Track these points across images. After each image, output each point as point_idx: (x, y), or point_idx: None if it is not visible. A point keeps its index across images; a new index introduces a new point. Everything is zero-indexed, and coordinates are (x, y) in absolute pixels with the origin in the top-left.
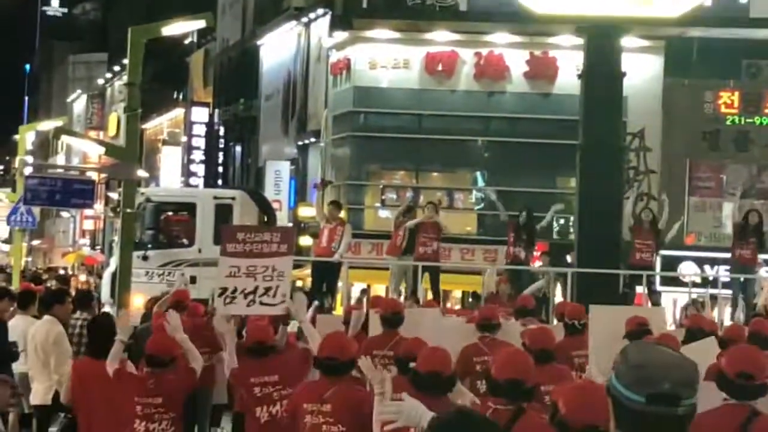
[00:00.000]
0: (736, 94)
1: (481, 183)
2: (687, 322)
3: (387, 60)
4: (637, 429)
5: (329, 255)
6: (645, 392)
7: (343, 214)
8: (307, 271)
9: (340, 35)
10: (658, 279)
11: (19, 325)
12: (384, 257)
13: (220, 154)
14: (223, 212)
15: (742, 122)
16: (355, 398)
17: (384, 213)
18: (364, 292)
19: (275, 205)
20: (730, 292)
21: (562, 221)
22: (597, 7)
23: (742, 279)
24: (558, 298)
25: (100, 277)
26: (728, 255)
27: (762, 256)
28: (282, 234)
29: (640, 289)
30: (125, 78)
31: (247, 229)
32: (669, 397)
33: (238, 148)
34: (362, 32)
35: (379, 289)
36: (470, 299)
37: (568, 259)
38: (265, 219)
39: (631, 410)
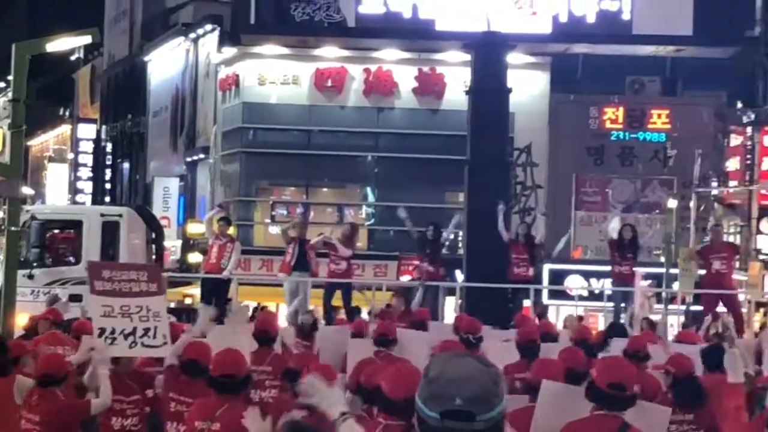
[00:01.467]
0: (621, 109)
1: (371, 198)
2: (573, 334)
3: (276, 76)
4: None
5: (219, 271)
6: (438, 409)
7: (232, 230)
8: (197, 289)
9: (229, 51)
10: (545, 292)
11: None
12: (277, 275)
13: (108, 171)
14: (110, 230)
15: (627, 138)
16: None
17: (274, 229)
18: (256, 309)
19: (163, 222)
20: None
21: (451, 236)
22: (483, 24)
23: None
24: (448, 311)
25: None
26: None
27: (640, 270)
28: (149, 272)
29: (527, 303)
30: (10, 94)
31: (113, 266)
32: (462, 413)
33: (126, 165)
34: (251, 48)
35: (270, 306)
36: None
37: (458, 273)
38: (153, 236)
39: (431, 426)
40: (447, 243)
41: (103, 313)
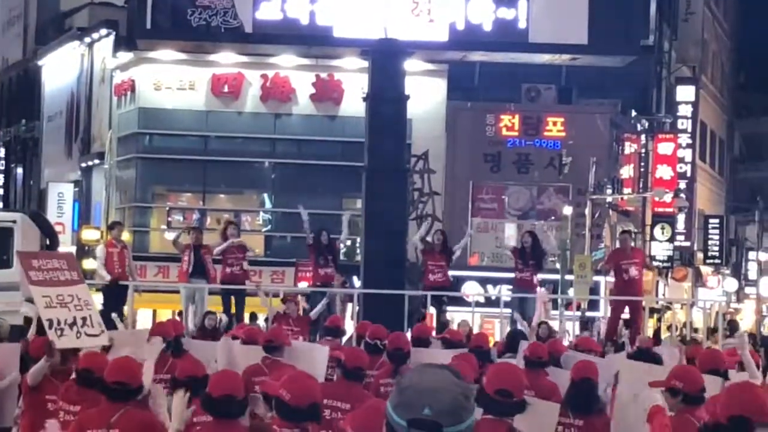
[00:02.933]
0: (517, 117)
1: (268, 205)
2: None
3: (172, 81)
4: None
5: (125, 278)
6: (406, 417)
7: (126, 236)
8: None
9: (125, 56)
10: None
11: None
12: (175, 283)
13: (1, 177)
14: (3, 236)
15: (523, 144)
16: (145, 421)
17: (170, 235)
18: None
19: (58, 228)
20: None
21: (349, 242)
22: (381, 31)
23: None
24: (348, 318)
25: None
26: (511, 275)
27: (543, 276)
28: (67, 260)
29: (431, 310)
30: None
31: (39, 255)
32: (429, 424)
33: (20, 170)
34: (147, 53)
35: (164, 314)
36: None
37: (355, 279)
38: (48, 242)
39: None
40: (343, 246)
41: (45, 305)
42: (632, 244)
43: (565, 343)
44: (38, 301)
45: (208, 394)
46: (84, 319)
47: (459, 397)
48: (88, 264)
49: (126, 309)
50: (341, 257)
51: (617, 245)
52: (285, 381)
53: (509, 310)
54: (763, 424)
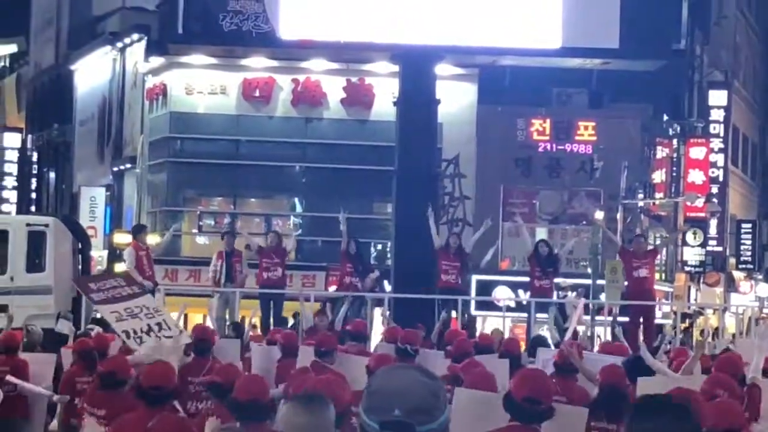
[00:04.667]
0: (548, 121)
1: (298, 209)
2: (502, 348)
3: (204, 86)
4: None
5: (154, 281)
6: (378, 419)
7: (150, 239)
8: None
9: (156, 60)
10: (473, 303)
11: None
12: (203, 286)
13: (33, 180)
14: (36, 239)
15: (554, 149)
16: (181, 426)
17: (201, 239)
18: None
19: (90, 232)
20: (545, 315)
21: (379, 246)
22: (412, 35)
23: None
24: (377, 323)
25: None
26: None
27: (564, 281)
28: (124, 278)
29: (454, 314)
30: None
31: (95, 279)
32: (400, 424)
33: (52, 174)
34: (178, 58)
35: (196, 318)
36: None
37: (386, 284)
38: (80, 246)
39: None
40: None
41: (116, 319)
42: (648, 247)
43: (595, 349)
44: (108, 318)
45: (234, 399)
46: (159, 324)
47: (428, 397)
48: (120, 267)
49: None
50: (372, 261)
51: (632, 248)
52: (239, 382)
53: (544, 315)
54: None
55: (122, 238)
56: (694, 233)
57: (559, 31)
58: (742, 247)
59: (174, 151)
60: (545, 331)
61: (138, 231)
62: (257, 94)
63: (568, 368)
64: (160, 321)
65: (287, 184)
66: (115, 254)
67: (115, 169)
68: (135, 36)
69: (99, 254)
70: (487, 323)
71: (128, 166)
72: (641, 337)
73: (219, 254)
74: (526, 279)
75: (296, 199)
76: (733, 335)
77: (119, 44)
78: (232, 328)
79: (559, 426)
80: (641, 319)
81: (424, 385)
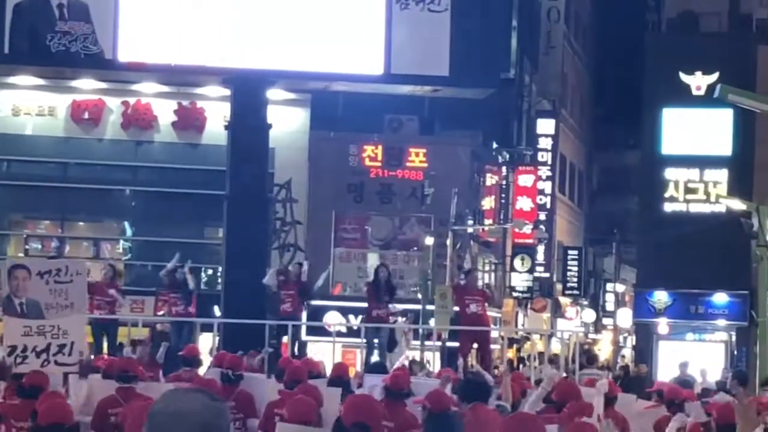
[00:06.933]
0: (379, 147)
1: (128, 233)
2: (330, 374)
3: (31, 107)
4: None
5: None
6: None
7: None
8: None
9: None
10: (303, 328)
11: None
12: None
13: None
14: None
15: (386, 175)
16: None
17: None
18: None
19: None
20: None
21: (210, 271)
22: (243, 59)
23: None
24: (205, 348)
25: None
26: None
27: (394, 306)
28: None
29: (285, 339)
30: None
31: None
32: None
33: None
34: (5, 78)
35: None
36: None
37: (216, 309)
38: None
39: None
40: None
41: (24, 333)
42: (479, 283)
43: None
44: (15, 331)
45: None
46: (62, 346)
47: (211, 419)
48: None
49: None
50: (202, 286)
51: (465, 281)
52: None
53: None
54: None
55: None
56: (522, 259)
57: (382, 59)
58: (568, 274)
59: (0, 172)
60: (375, 357)
61: None
62: (86, 116)
63: (398, 393)
64: (66, 343)
65: (117, 207)
66: None
67: None
68: None
69: None
70: (318, 348)
71: None
72: (477, 362)
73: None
74: (357, 304)
75: (126, 223)
76: (556, 355)
77: None
78: None
79: None
80: (475, 345)
81: (208, 407)
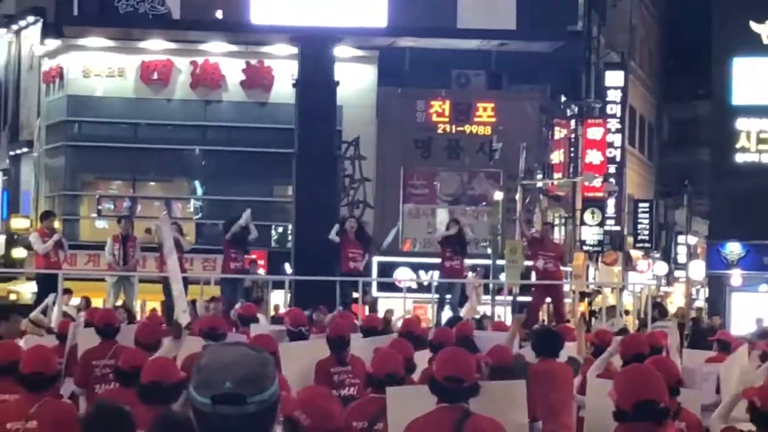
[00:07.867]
0: (447, 103)
1: (199, 192)
2: (401, 328)
3: (101, 68)
4: (213, 430)
5: (60, 268)
6: (209, 394)
7: (57, 224)
8: (23, 284)
9: (52, 43)
10: (374, 285)
11: None
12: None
13: None
14: None
15: (453, 131)
16: (63, 412)
17: (101, 223)
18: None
19: None
20: (448, 296)
21: (280, 229)
22: (310, 17)
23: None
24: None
25: None
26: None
27: (474, 261)
28: None
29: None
30: None
31: None
32: (232, 396)
33: None
34: (74, 40)
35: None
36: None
37: (287, 266)
38: None
39: (203, 412)
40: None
41: None
42: (552, 236)
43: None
44: None
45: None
46: None
47: (257, 367)
48: (17, 253)
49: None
50: (272, 244)
51: (539, 235)
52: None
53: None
54: None
55: (19, 223)
56: (592, 213)
57: (450, 14)
58: (639, 227)
59: (72, 134)
60: (448, 311)
61: (45, 217)
62: (155, 76)
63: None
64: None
65: (187, 167)
66: (12, 239)
67: (12, 153)
68: (30, 18)
69: None
70: (390, 304)
71: (25, 150)
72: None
73: (115, 238)
74: (427, 260)
75: (196, 183)
76: (627, 311)
77: (14, 27)
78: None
79: (495, 402)
80: (548, 299)
81: (252, 357)
